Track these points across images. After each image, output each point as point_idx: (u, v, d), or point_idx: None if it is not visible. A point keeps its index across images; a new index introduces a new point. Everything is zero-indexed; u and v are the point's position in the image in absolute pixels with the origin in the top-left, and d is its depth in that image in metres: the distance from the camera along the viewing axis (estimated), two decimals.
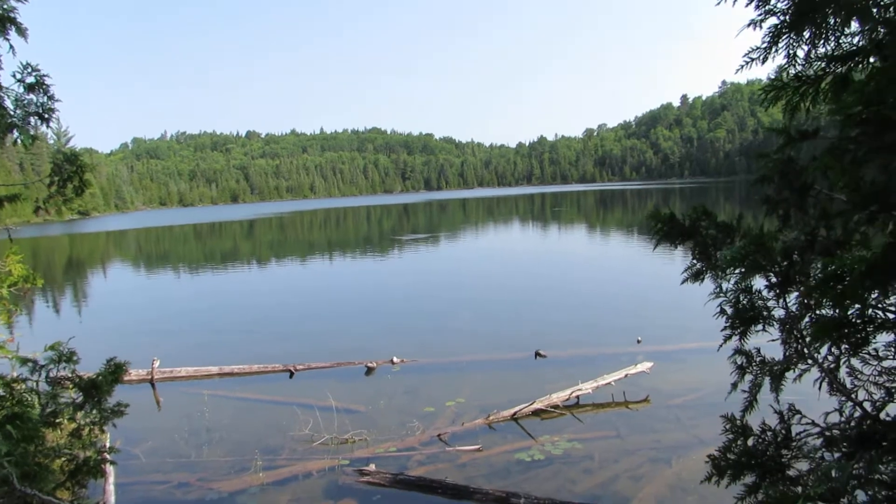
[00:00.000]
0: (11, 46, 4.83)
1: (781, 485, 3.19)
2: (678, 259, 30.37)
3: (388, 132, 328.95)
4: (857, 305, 3.10)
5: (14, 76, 4.97)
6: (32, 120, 5.22)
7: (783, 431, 3.41)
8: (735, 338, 3.80)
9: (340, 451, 10.79)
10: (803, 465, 3.40)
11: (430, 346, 17.36)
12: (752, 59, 3.23)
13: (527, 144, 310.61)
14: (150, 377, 15.30)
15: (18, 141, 5.21)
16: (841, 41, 3.09)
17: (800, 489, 2.90)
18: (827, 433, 3.39)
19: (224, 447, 11.29)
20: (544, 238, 52.82)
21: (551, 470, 9.88)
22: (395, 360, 15.85)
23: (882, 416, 3.21)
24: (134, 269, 43.47)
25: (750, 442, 3.47)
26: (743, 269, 3.73)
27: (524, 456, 10.37)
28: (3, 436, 4.98)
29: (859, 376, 3.33)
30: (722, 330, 3.82)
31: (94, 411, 6.40)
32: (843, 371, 3.38)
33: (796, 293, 3.66)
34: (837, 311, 3.11)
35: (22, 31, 4.85)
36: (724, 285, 3.99)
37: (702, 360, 14.95)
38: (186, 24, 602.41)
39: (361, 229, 76.04)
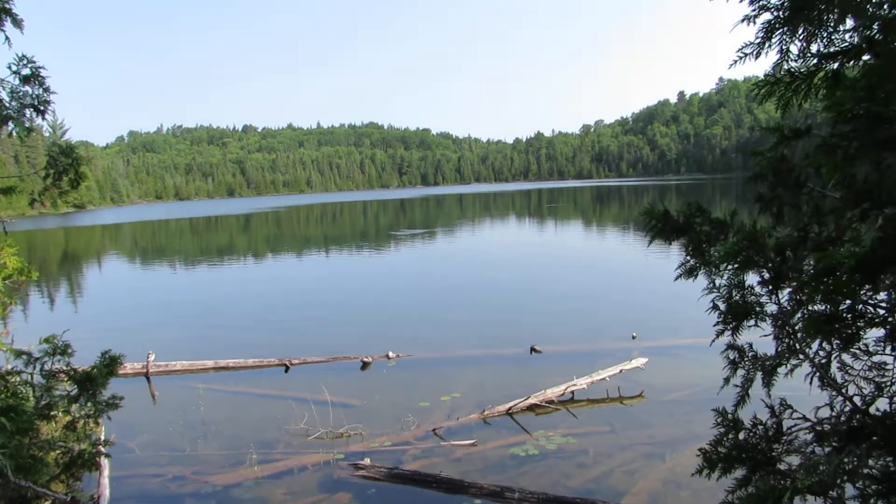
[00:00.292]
0: (7, 38, 4.82)
1: (772, 478, 3.22)
2: (674, 255, 30.43)
3: (386, 127, 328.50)
4: (848, 301, 3.12)
5: (10, 68, 4.96)
6: (28, 112, 5.21)
7: (774, 426, 3.44)
8: (728, 333, 3.83)
9: (335, 446, 10.81)
10: (794, 460, 3.43)
11: (425, 341, 17.38)
12: (746, 55, 3.25)
13: (524, 140, 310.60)
14: (145, 370, 15.29)
15: (14, 133, 5.20)
16: (833, 38, 3.11)
17: (789, 482, 2.92)
18: (818, 427, 3.42)
19: (219, 441, 11.30)
20: (540, 234, 52.87)
21: (546, 464, 9.92)
22: (390, 354, 15.87)
23: (871, 410, 3.24)
24: (129, 263, 43.40)
25: (741, 436, 3.50)
26: (736, 265, 3.75)
27: (519, 451, 10.40)
28: None
29: (850, 371, 3.36)
30: (715, 325, 3.85)
31: (89, 404, 6.41)
32: (834, 366, 3.41)
33: (789, 289, 3.69)
34: (829, 306, 3.13)
35: (17, 23, 4.84)
36: (718, 281, 4.01)
37: (696, 356, 15.00)
38: (183, 17, 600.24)
39: (358, 224, 76.00)
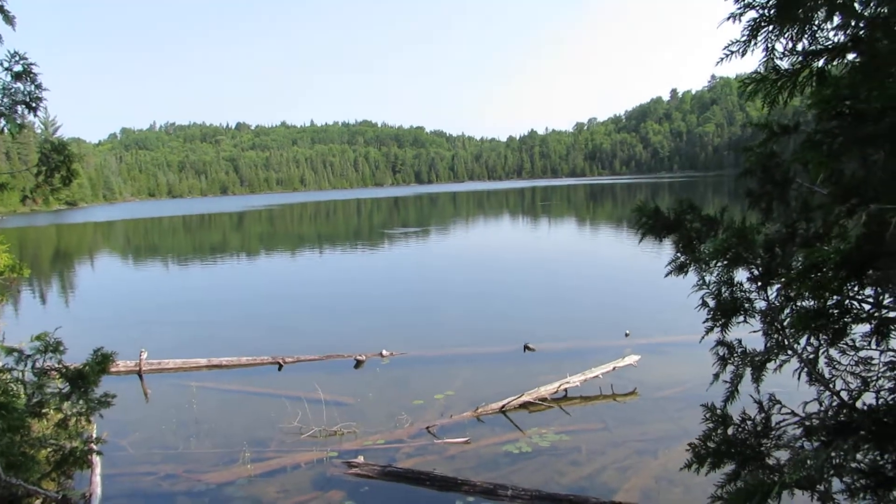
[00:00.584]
0: None
1: (760, 473, 3.25)
2: (666, 253, 30.46)
3: (379, 125, 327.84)
4: (835, 297, 3.15)
5: (1, 64, 4.94)
6: (20, 108, 5.19)
7: (763, 421, 3.47)
8: (717, 329, 3.86)
9: (329, 444, 10.82)
10: (782, 454, 3.46)
11: (419, 339, 17.39)
12: (732, 52, 3.27)
13: (517, 138, 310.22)
14: (137, 368, 15.25)
15: (5, 129, 5.18)
16: (818, 36, 3.14)
17: (777, 477, 2.95)
18: (806, 423, 3.45)
19: (212, 439, 11.29)
20: (534, 232, 52.94)
21: (539, 462, 9.95)
22: (384, 352, 15.88)
23: (858, 405, 3.27)
24: (122, 261, 43.26)
25: (730, 431, 3.53)
26: (726, 262, 3.78)
27: (512, 448, 10.43)
28: None
29: (837, 366, 3.39)
30: (704, 322, 3.87)
31: (81, 401, 6.40)
32: (821, 361, 3.44)
33: (777, 285, 3.72)
34: (816, 302, 3.16)
35: (10, 19, 4.82)
36: (708, 277, 4.04)
37: (689, 353, 15.04)
38: (176, 14, 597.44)
39: (351, 222, 75.92)
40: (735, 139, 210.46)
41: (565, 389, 12.70)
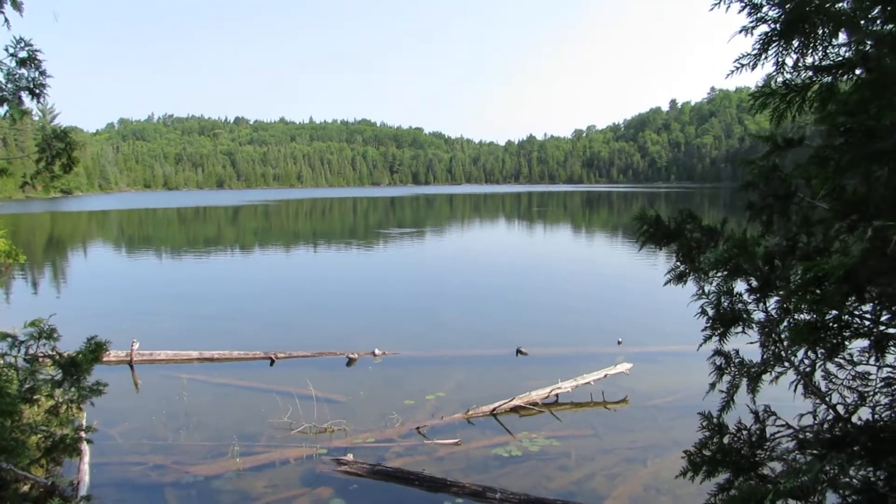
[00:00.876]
0: (6, 20, 4.79)
1: (754, 482, 3.27)
2: (660, 262, 30.63)
3: (378, 124, 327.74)
4: (833, 311, 3.18)
5: (6, 50, 4.94)
6: (23, 95, 5.18)
7: (758, 431, 3.49)
8: (715, 339, 3.88)
9: (319, 440, 10.80)
10: (776, 466, 3.48)
11: (412, 340, 17.39)
12: (743, 66, 3.29)
13: (516, 143, 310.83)
14: (129, 359, 15.20)
15: (8, 115, 5.17)
16: (828, 51, 3.16)
17: (771, 486, 2.97)
18: (800, 435, 3.47)
19: (202, 432, 11.26)
20: (529, 237, 53.00)
21: (528, 466, 9.97)
22: (376, 352, 15.87)
23: (854, 419, 3.30)
24: (115, 251, 43.12)
25: (725, 440, 3.55)
26: (725, 272, 3.80)
27: (502, 451, 10.44)
28: None
29: (834, 380, 3.41)
30: (703, 330, 3.89)
31: (73, 389, 6.39)
32: (818, 375, 3.46)
33: (776, 297, 3.74)
34: (815, 315, 3.18)
35: (17, 5, 4.81)
36: (707, 287, 4.06)
37: (680, 362, 15.13)
38: (178, 7, 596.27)
39: (347, 221, 75.85)
40: (733, 152, 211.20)
41: (556, 395, 12.72)
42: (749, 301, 3.81)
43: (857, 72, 3.04)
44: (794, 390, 3.50)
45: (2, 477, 5.56)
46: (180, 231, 62.84)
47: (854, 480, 2.90)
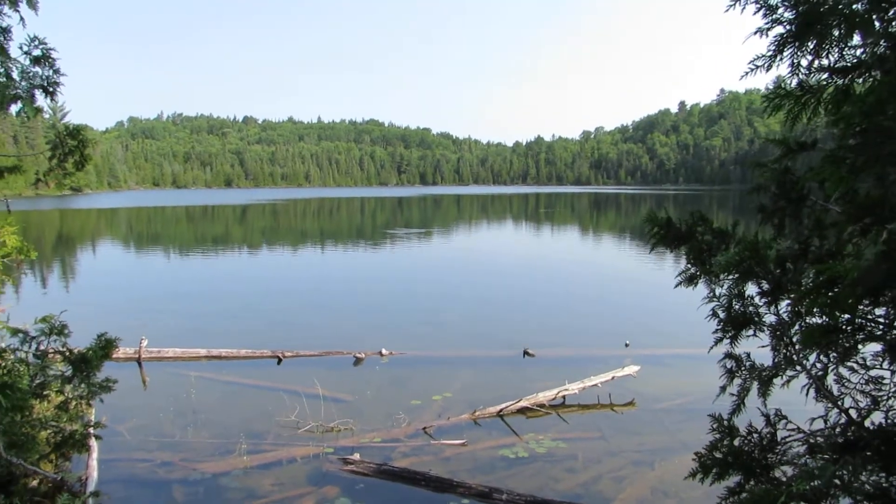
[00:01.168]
0: (22, 18, 4.82)
1: (765, 485, 3.25)
2: (668, 265, 30.55)
3: (386, 125, 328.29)
4: (846, 315, 3.16)
5: (21, 48, 4.97)
6: (37, 92, 5.21)
7: (769, 435, 3.47)
8: (726, 342, 3.86)
9: (325, 439, 10.81)
10: (787, 470, 3.46)
11: (419, 340, 17.39)
12: (757, 67, 3.28)
13: (524, 144, 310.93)
14: (137, 356, 15.26)
15: (23, 113, 5.21)
16: (844, 53, 3.14)
17: (784, 488, 2.95)
18: (811, 440, 3.46)
19: (209, 429, 11.29)
20: (537, 238, 52.95)
21: (535, 468, 9.95)
22: (383, 351, 15.88)
23: (867, 424, 3.28)
24: (124, 248, 43.30)
25: (736, 443, 3.53)
26: (737, 275, 3.78)
27: (508, 453, 10.43)
28: None
29: (846, 384, 3.39)
30: (714, 333, 3.87)
31: (83, 385, 6.42)
32: (830, 378, 3.44)
33: (788, 301, 3.72)
34: (827, 319, 3.16)
35: (33, 3, 4.84)
36: (718, 290, 4.05)
37: (688, 365, 15.08)
38: (189, 6, 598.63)
39: (355, 221, 75.94)
40: (742, 154, 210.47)
41: (563, 397, 12.69)
42: (760, 304, 3.80)
43: (873, 73, 3.02)
44: (806, 394, 3.48)
45: (11, 472, 5.59)
46: (188, 229, 63.08)
47: (867, 485, 2.88)
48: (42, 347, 6.35)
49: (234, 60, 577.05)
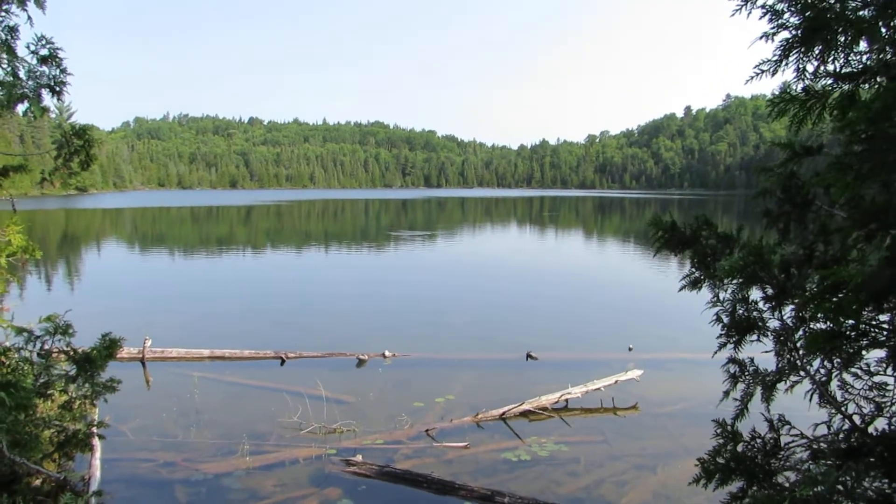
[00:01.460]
0: (29, 17, 4.84)
1: (768, 491, 3.25)
2: (672, 269, 30.51)
3: (391, 127, 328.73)
4: (850, 321, 3.15)
5: (28, 47, 4.99)
6: (43, 92, 5.23)
7: (772, 440, 3.46)
8: (729, 346, 3.86)
9: (328, 441, 10.82)
10: (791, 476, 3.45)
11: (422, 342, 17.39)
12: (763, 71, 3.28)
13: (528, 147, 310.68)
14: (140, 356, 15.29)
15: (29, 112, 5.23)
16: (850, 59, 3.14)
17: (787, 494, 2.94)
18: (814, 445, 3.45)
19: (212, 429, 11.30)
20: (541, 241, 52.92)
21: (537, 471, 9.93)
22: (386, 353, 15.88)
23: (870, 430, 3.27)
24: (129, 248, 43.41)
25: (739, 448, 3.52)
26: (741, 280, 3.77)
27: (511, 456, 10.41)
28: None
29: (850, 390, 3.38)
30: (717, 338, 3.87)
31: (87, 385, 6.43)
32: (834, 384, 3.44)
33: (792, 306, 3.71)
34: (831, 324, 3.16)
35: (40, 3, 4.86)
36: (722, 295, 4.04)
37: (691, 370, 15.05)
38: (195, 9, 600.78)
39: (359, 222, 76.00)
40: (747, 159, 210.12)
41: (566, 400, 12.68)
42: (764, 309, 3.79)
43: (879, 79, 3.02)
44: (810, 400, 3.47)
45: (15, 471, 5.60)
46: (193, 230, 63.21)
47: (870, 492, 2.87)
48: (46, 347, 6.37)
49: (241, 62, 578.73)
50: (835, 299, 2.83)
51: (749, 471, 3.35)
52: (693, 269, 4.16)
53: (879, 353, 3.26)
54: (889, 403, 3.26)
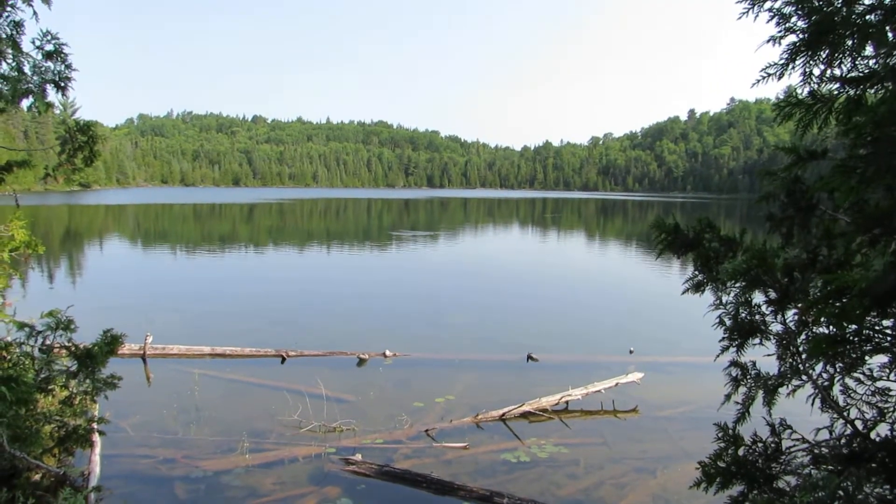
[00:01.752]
0: (35, 13, 4.85)
1: (769, 495, 3.24)
2: (674, 272, 30.47)
3: (395, 126, 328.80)
4: (853, 326, 3.14)
5: (33, 43, 4.99)
6: (48, 87, 5.23)
7: (773, 444, 3.45)
8: (731, 350, 3.85)
9: (327, 439, 10.82)
10: (791, 480, 3.45)
11: (423, 342, 17.39)
12: (769, 75, 3.27)
13: (532, 148, 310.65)
14: (141, 352, 15.31)
15: (34, 108, 5.23)
16: (856, 63, 3.13)
17: (787, 500, 2.94)
18: (815, 450, 3.44)
19: (212, 427, 11.31)
20: (543, 243, 52.90)
21: (536, 472, 9.92)
22: (387, 353, 15.88)
23: (872, 435, 3.26)
24: (132, 245, 43.45)
25: (740, 452, 3.51)
26: (744, 283, 3.77)
27: (510, 457, 10.41)
28: None
29: (852, 395, 3.37)
30: (720, 341, 3.86)
31: (88, 381, 6.43)
32: (836, 389, 3.43)
33: (795, 310, 3.71)
34: (835, 329, 3.15)
35: None
36: (724, 298, 4.03)
37: (692, 373, 15.04)
38: (200, 7, 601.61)
39: (361, 222, 76.01)
40: (751, 163, 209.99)
41: (566, 402, 12.67)
42: (767, 313, 3.78)
43: (885, 84, 3.01)
44: (812, 404, 3.46)
45: (15, 465, 5.61)
46: (196, 227, 63.26)
47: (871, 497, 2.86)
48: (48, 342, 6.38)
49: (245, 60, 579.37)
50: (838, 304, 2.82)
51: (750, 475, 3.34)
52: (696, 272, 4.15)
53: (882, 358, 3.25)
54: (891, 409, 3.25)
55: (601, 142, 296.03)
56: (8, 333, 7.14)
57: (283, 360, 15.56)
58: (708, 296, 4.20)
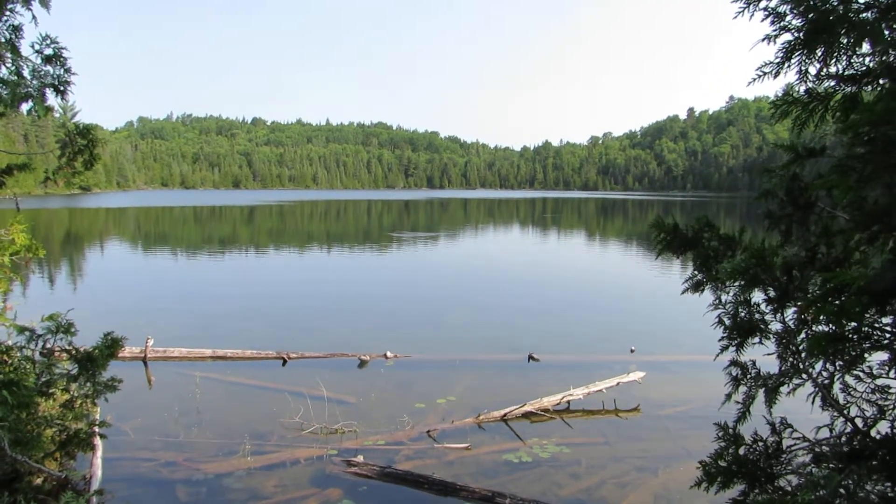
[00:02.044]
0: (34, 17, 4.85)
1: (770, 494, 3.24)
2: (674, 271, 30.47)
3: (394, 128, 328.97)
4: (853, 323, 3.14)
5: (32, 46, 5.00)
6: (48, 91, 5.24)
7: (774, 443, 3.45)
8: (731, 349, 3.85)
9: (329, 441, 10.82)
10: (792, 479, 3.45)
11: (424, 343, 17.39)
12: (765, 73, 3.27)
13: (531, 148, 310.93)
14: (142, 355, 15.31)
15: (33, 112, 5.24)
16: (852, 61, 3.14)
17: (789, 498, 2.94)
18: (816, 448, 3.44)
19: (213, 429, 11.31)
20: (543, 243, 52.90)
21: (538, 472, 9.92)
22: (388, 354, 15.88)
23: (873, 433, 3.26)
24: (131, 248, 43.46)
25: (741, 451, 3.52)
26: (743, 282, 3.77)
27: (512, 457, 10.40)
28: None
29: (852, 393, 3.37)
30: (719, 340, 3.86)
31: (89, 384, 6.43)
32: (836, 387, 3.43)
33: (794, 308, 3.71)
34: (834, 327, 3.15)
35: (45, 2, 4.87)
36: (724, 297, 4.03)
37: (693, 372, 15.03)
38: (198, 9, 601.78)
39: (361, 223, 76.01)
40: (750, 161, 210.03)
41: (568, 402, 12.66)
42: (766, 311, 3.78)
43: (882, 82, 3.01)
44: (812, 402, 3.46)
45: (16, 469, 5.61)
46: (196, 230, 63.28)
47: (872, 495, 2.86)
48: (48, 346, 6.38)
49: (245, 62, 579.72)
50: (837, 302, 2.83)
51: (751, 474, 3.34)
52: (695, 272, 4.15)
53: (882, 355, 3.25)
54: (892, 406, 3.25)
55: (601, 141, 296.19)
56: (9, 337, 7.14)
57: (285, 362, 15.56)
58: (708, 295, 4.20)
